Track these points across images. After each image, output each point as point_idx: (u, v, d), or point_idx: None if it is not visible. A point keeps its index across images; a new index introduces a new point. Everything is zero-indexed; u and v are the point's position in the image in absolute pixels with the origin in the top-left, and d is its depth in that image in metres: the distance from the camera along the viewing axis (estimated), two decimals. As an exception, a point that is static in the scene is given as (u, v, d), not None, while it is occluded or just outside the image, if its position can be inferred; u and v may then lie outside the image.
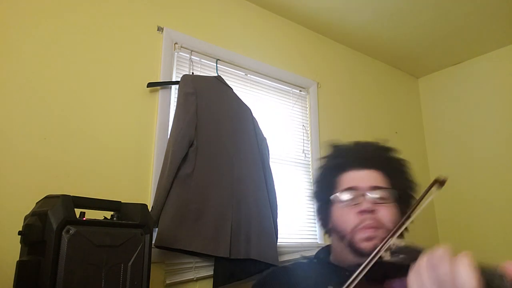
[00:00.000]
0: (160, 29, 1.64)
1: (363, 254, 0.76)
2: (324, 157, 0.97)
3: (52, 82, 1.34)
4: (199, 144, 1.48)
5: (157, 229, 1.33)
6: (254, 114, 1.75)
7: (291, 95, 2.11)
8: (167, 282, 1.40)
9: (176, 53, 1.68)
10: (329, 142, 0.97)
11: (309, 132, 2.11)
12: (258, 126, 1.75)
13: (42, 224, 0.79)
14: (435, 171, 2.76)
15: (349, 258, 0.82)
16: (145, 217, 0.96)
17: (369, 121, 2.46)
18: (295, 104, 2.11)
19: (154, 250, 1.19)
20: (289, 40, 2.18)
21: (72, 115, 1.36)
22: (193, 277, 1.46)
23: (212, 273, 1.47)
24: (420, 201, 0.70)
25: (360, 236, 0.80)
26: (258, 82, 1.97)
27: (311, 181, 0.97)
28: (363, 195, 0.83)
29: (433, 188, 0.68)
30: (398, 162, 0.92)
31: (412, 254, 0.59)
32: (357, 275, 0.62)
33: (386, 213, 0.81)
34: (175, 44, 1.68)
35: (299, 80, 2.14)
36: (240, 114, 1.69)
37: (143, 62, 1.57)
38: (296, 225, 1.88)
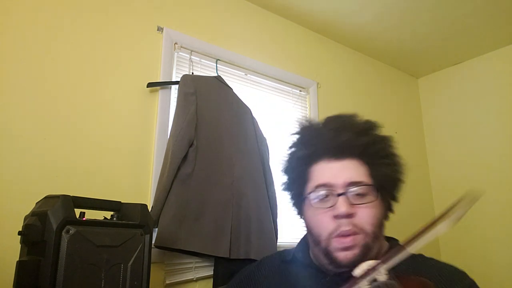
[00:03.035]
0: (160, 29, 1.64)
1: (341, 265, 0.68)
2: (292, 143, 0.82)
3: (52, 82, 1.34)
4: (199, 144, 1.48)
5: (157, 229, 1.33)
6: (254, 114, 1.75)
7: (291, 95, 2.11)
8: (167, 282, 1.40)
9: (176, 53, 1.68)
10: (298, 122, 0.82)
11: (309, 132, 2.11)
12: (258, 126, 1.75)
13: (42, 224, 0.79)
14: (435, 171, 2.77)
15: (327, 263, 0.72)
16: (145, 217, 0.96)
17: (369, 121, 2.45)
18: (295, 104, 2.11)
19: (154, 250, 1.19)
20: (289, 40, 2.18)
21: (72, 115, 1.36)
22: (193, 277, 1.46)
23: (212, 273, 1.48)
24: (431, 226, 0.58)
25: (336, 245, 0.69)
26: (258, 82, 1.97)
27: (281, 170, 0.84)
28: (338, 194, 0.70)
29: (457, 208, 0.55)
30: (381, 144, 0.77)
31: None
32: None
33: (367, 216, 0.70)
34: (175, 44, 1.68)
35: (299, 80, 2.14)
36: (240, 114, 1.69)
37: (143, 62, 1.57)
38: (296, 225, 1.88)
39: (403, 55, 2.64)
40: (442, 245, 2.62)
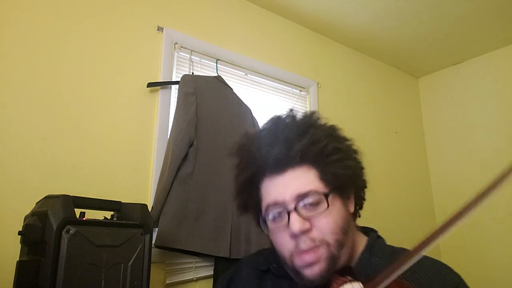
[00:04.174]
0: (160, 29, 1.64)
1: (311, 282, 0.63)
2: (236, 165, 0.75)
3: (52, 82, 1.34)
4: (199, 144, 1.48)
5: (157, 229, 1.33)
6: (254, 114, 1.75)
7: (291, 95, 2.11)
8: (167, 282, 1.40)
9: (176, 53, 1.68)
10: (238, 140, 0.75)
11: (309, 132, 2.11)
12: (258, 126, 1.75)
13: (42, 224, 0.79)
14: (435, 171, 2.77)
15: (299, 280, 0.67)
16: (145, 217, 0.96)
17: (369, 121, 2.46)
18: (295, 104, 2.11)
19: (154, 250, 1.19)
20: (289, 40, 2.18)
21: (72, 115, 1.36)
22: (193, 277, 1.47)
23: (212, 273, 1.48)
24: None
25: (299, 263, 0.64)
26: (258, 82, 1.97)
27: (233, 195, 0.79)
28: (288, 211, 0.64)
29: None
30: (321, 142, 0.67)
31: None
32: None
33: (325, 225, 0.63)
34: (175, 44, 1.68)
35: (299, 80, 2.14)
36: (240, 114, 1.69)
37: (143, 62, 1.57)
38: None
39: (403, 55, 2.64)
40: (442, 244, 2.62)
